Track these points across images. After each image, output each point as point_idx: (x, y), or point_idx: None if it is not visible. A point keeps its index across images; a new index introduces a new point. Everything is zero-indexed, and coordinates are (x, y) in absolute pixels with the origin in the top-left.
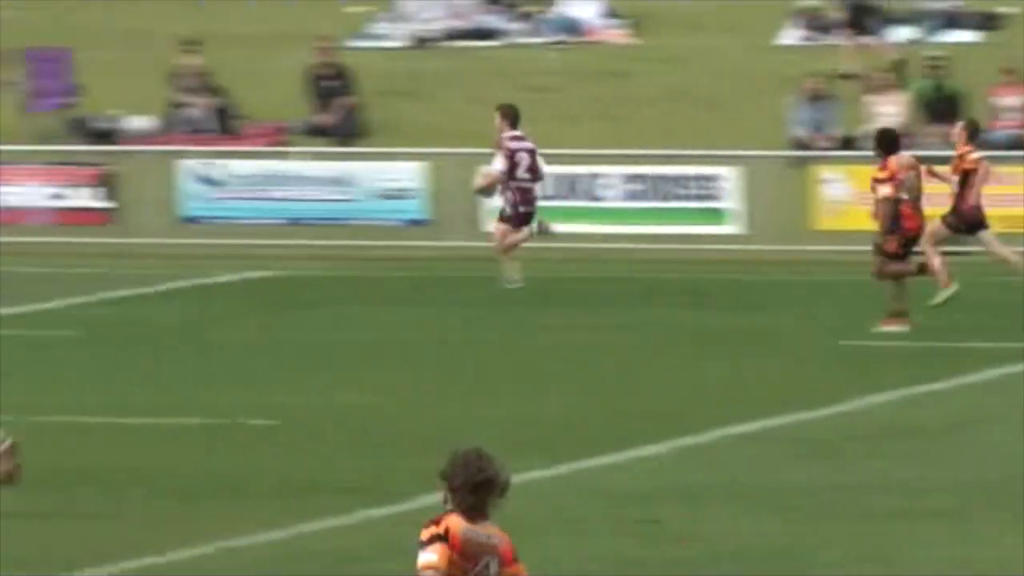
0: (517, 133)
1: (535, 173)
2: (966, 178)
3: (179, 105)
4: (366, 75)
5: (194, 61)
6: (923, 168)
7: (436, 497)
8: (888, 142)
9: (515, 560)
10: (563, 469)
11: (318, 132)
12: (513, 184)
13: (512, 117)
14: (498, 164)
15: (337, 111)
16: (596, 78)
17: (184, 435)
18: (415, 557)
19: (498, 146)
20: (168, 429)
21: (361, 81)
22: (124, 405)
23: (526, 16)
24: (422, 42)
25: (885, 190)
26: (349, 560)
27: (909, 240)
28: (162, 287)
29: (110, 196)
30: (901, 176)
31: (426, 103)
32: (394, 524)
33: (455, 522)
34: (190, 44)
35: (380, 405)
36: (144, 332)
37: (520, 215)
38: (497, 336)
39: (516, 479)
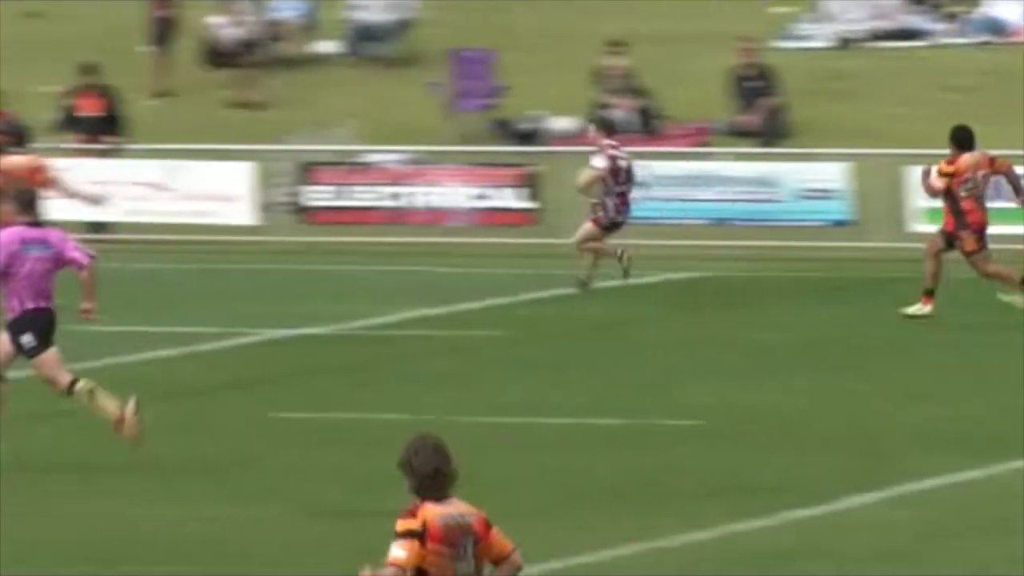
0: (614, 142)
1: (632, 180)
2: None
3: (603, 106)
4: (789, 75)
5: (619, 62)
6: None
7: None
8: (963, 139)
9: (489, 529)
10: (985, 471)
11: (741, 133)
12: (616, 191)
13: (607, 128)
14: (598, 161)
15: (760, 112)
16: (1021, 79)
17: (607, 435)
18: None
19: (600, 149)
20: (590, 429)
21: (784, 81)
22: (546, 405)
23: (951, 16)
24: (846, 42)
25: (939, 184)
26: (774, 561)
27: (978, 233)
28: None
29: (533, 197)
30: (968, 175)
31: (850, 103)
32: (819, 525)
33: (431, 512)
34: (615, 45)
35: (804, 405)
36: (568, 332)
37: (614, 223)
38: (921, 338)
39: (937, 481)
